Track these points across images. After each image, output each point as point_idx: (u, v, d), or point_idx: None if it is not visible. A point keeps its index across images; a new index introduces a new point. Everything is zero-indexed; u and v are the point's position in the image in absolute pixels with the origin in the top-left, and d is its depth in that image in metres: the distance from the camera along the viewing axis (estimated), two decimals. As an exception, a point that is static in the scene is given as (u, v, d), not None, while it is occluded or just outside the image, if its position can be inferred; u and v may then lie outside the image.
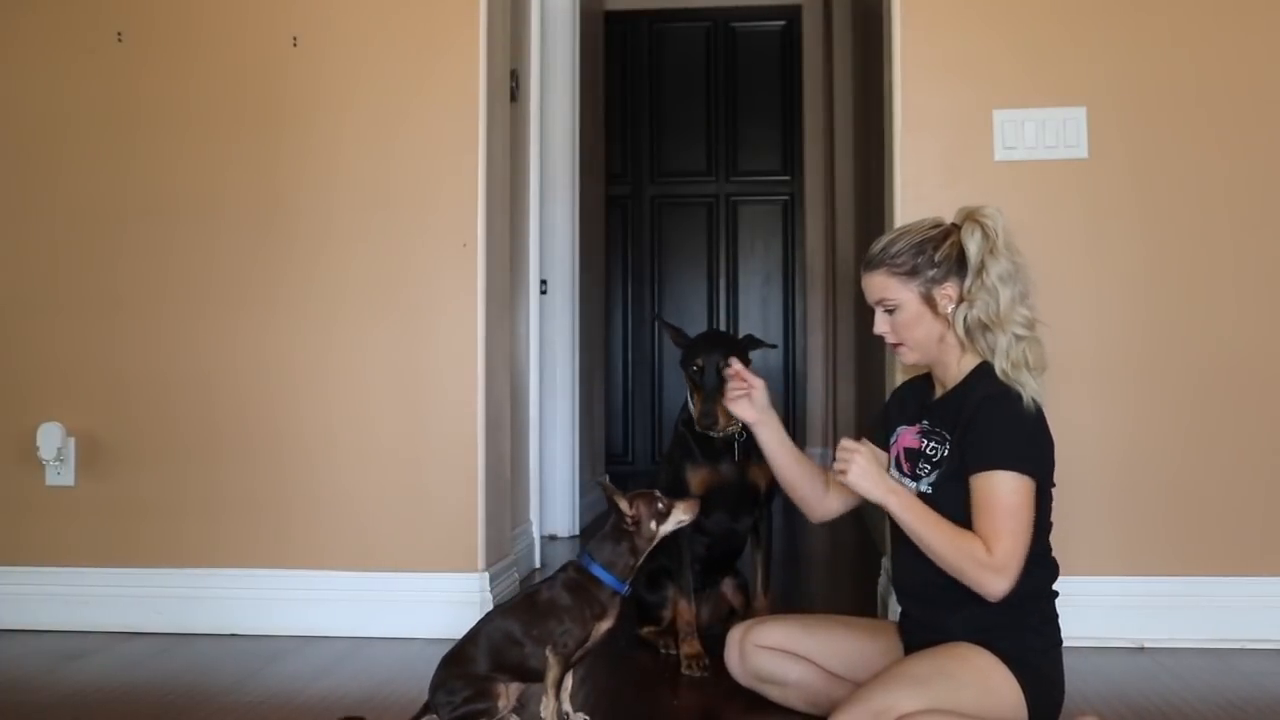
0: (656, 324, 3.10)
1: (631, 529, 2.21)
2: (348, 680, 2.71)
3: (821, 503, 2.37)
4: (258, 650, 2.95)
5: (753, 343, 2.87)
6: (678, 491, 2.80)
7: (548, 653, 2.13)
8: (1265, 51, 2.94)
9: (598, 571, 2.19)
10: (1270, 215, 2.93)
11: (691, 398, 2.82)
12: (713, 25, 7.08)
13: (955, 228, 2.19)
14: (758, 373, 2.45)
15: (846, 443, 2.14)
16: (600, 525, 5.48)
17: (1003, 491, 2.03)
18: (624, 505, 2.22)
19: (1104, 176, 2.96)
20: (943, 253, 2.16)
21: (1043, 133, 2.95)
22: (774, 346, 3.05)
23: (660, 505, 2.24)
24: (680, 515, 2.26)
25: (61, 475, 3.19)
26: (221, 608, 3.10)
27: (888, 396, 2.51)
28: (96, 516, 3.19)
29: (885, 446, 2.28)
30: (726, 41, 7.07)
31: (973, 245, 2.14)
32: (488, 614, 2.32)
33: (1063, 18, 2.98)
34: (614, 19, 6.24)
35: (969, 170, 2.97)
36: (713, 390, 2.71)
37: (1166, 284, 2.94)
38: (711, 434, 2.80)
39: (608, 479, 2.32)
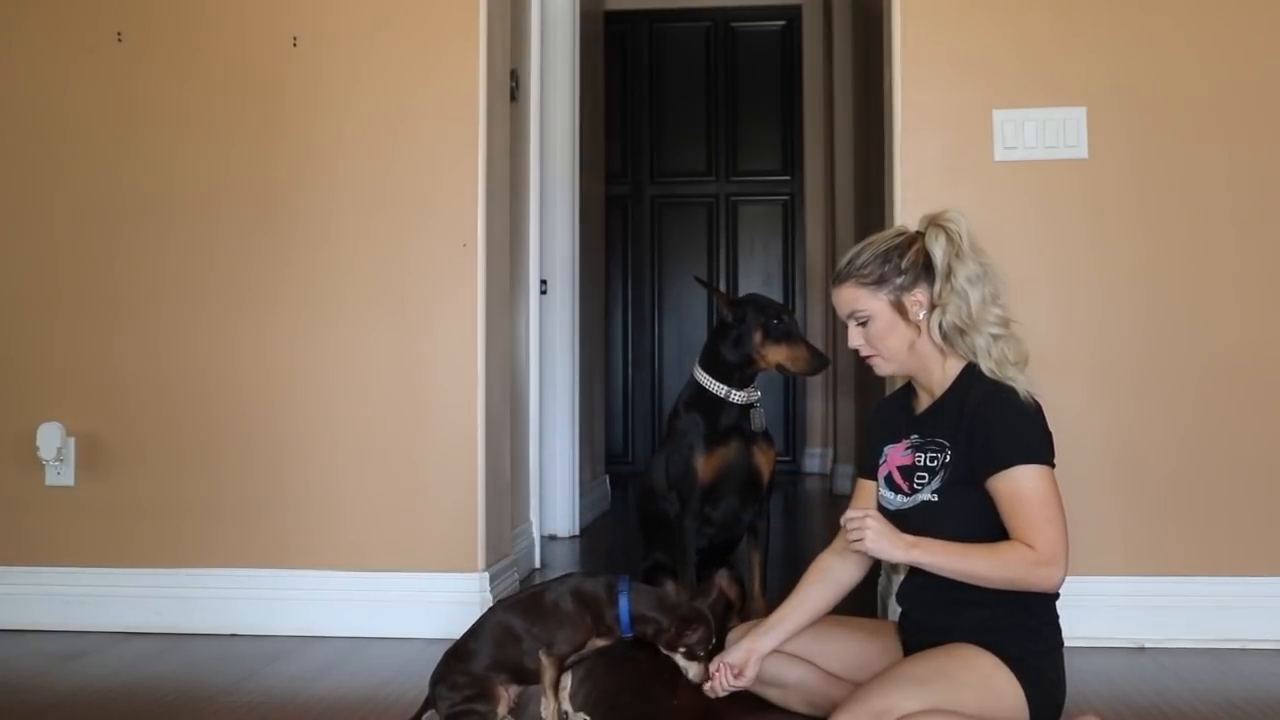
0: (697, 282, 3.26)
1: (667, 632, 2.17)
2: (347, 680, 2.70)
3: (853, 576, 2.30)
4: (257, 650, 2.95)
5: None
6: (688, 475, 2.86)
7: (541, 654, 2.13)
8: (1266, 51, 2.94)
9: (622, 603, 2.15)
10: (1271, 214, 2.93)
11: (760, 352, 2.91)
12: (713, 25, 7.08)
13: (919, 234, 2.20)
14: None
15: (851, 513, 2.11)
16: (603, 523, 5.47)
17: (1028, 485, 2.03)
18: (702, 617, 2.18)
19: (1104, 176, 2.96)
20: (908, 260, 2.16)
21: (1043, 133, 2.95)
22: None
23: (700, 650, 2.19)
24: (694, 668, 2.20)
25: (61, 475, 3.19)
26: (221, 608, 3.10)
27: (873, 409, 2.51)
28: (96, 516, 3.18)
29: (876, 471, 2.28)
30: (726, 41, 7.07)
31: (938, 250, 2.14)
32: (493, 606, 2.31)
33: (1064, 17, 2.98)
34: (614, 19, 6.24)
35: (969, 170, 2.97)
36: (800, 337, 2.96)
37: (1167, 284, 2.94)
38: (736, 401, 2.90)
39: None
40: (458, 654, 2.19)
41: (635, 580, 2.24)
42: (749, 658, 2.24)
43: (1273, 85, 2.93)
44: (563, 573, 2.34)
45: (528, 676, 2.17)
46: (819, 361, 2.92)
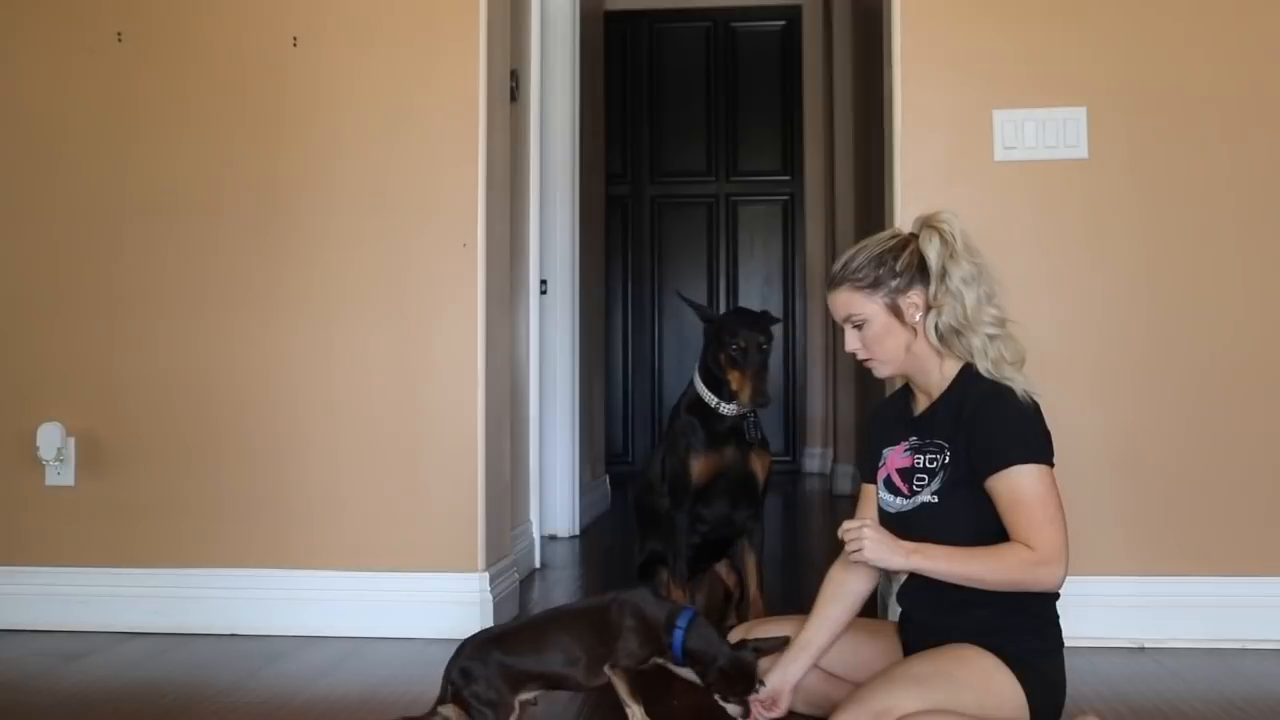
0: (680, 299, 3.27)
1: (709, 676, 2.15)
2: (348, 680, 2.71)
3: (866, 586, 2.26)
4: (257, 650, 2.95)
5: (771, 319, 3.01)
6: (682, 474, 2.87)
7: (607, 670, 2.12)
8: (1266, 51, 2.94)
9: (677, 636, 2.13)
10: (1271, 214, 2.93)
11: (723, 373, 2.89)
12: (713, 25, 7.08)
13: (913, 236, 2.19)
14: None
15: (848, 524, 2.10)
16: (603, 523, 5.47)
17: (1026, 485, 2.03)
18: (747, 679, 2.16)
19: (1104, 176, 2.96)
20: (903, 262, 2.16)
21: (1043, 133, 2.95)
22: (779, 321, 3.20)
23: (732, 699, 2.17)
24: (731, 707, 2.17)
25: (61, 475, 3.19)
26: (221, 608, 3.10)
27: (871, 412, 2.50)
28: (96, 516, 3.18)
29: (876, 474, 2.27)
30: (726, 41, 7.07)
31: (932, 252, 2.14)
32: (560, 620, 2.22)
33: (1063, 17, 2.98)
34: (614, 19, 6.25)
35: (969, 170, 2.98)
36: (759, 368, 2.86)
37: (1167, 284, 2.94)
38: (726, 413, 2.89)
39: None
40: (505, 646, 2.12)
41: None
42: (782, 689, 2.21)
43: (1273, 85, 2.94)
44: (626, 589, 2.28)
45: (564, 685, 2.17)
46: (760, 400, 2.86)
